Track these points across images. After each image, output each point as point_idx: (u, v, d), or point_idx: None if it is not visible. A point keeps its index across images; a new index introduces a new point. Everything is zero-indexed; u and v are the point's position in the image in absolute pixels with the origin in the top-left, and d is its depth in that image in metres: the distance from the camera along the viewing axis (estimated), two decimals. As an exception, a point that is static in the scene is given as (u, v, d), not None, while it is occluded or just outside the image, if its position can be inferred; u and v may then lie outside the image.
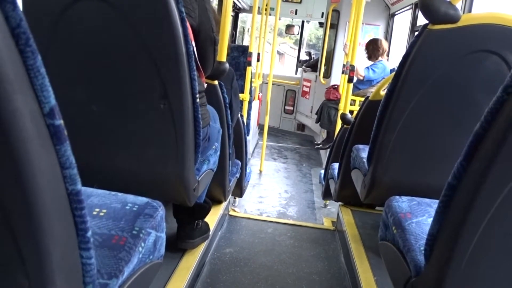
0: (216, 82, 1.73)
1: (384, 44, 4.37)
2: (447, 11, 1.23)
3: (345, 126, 2.64)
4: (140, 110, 1.21)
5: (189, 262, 1.62)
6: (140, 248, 0.83)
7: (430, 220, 1.11)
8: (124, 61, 1.17)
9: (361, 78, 4.30)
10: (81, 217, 0.55)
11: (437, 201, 1.22)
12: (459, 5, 1.27)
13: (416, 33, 4.01)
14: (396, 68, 4.35)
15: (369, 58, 4.38)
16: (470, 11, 2.83)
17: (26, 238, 0.50)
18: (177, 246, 1.66)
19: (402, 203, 1.19)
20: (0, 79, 0.41)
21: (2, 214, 0.48)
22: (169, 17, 1.07)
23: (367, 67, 4.35)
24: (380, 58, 4.35)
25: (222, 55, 1.74)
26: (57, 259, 0.53)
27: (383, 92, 2.01)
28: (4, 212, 0.48)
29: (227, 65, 1.74)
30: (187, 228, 1.66)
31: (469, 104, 1.33)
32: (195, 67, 1.19)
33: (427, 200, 1.23)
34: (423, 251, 0.94)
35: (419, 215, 1.13)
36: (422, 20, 4.17)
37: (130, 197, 0.97)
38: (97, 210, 0.89)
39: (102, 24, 1.14)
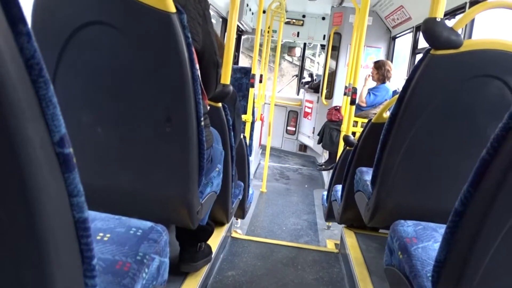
0: (220, 104, 1.74)
1: (392, 66, 4.41)
2: (449, 37, 1.24)
3: (347, 148, 2.64)
4: (145, 133, 1.22)
5: (192, 285, 1.60)
6: (144, 274, 0.82)
7: (436, 245, 1.10)
8: (130, 84, 1.18)
9: (364, 105, 4.32)
10: (87, 245, 0.55)
11: (443, 225, 1.21)
12: (459, 31, 1.29)
13: (417, 56, 4.04)
14: (397, 90, 4.39)
15: (382, 80, 4.34)
16: (470, 37, 2.87)
17: (32, 265, 0.50)
18: (179, 269, 1.64)
19: (408, 227, 1.18)
20: (13, 108, 0.41)
21: (8, 240, 0.48)
22: (175, 42, 1.09)
23: (368, 92, 4.37)
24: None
25: (227, 78, 1.76)
26: (61, 287, 0.52)
27: (386, 115, 2.02)
28: (10, 238, 0.48)
29: (231, 87, 1.75)
30: (189, 250, 1.65)
31: (472, 129, 1.33)
32: (200, 91, 1.20)
33: (432, 224, 1.22)
34: (430, 277, 0.92)
35: (425, 240, 1.12)
36: (423, 43, 4.23)
37: (134, 221, 0.96)
38: (101, 234, 0.88)
39: (108, 48, 1.16)
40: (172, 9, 1.07)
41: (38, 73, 0.43)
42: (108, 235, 0.88)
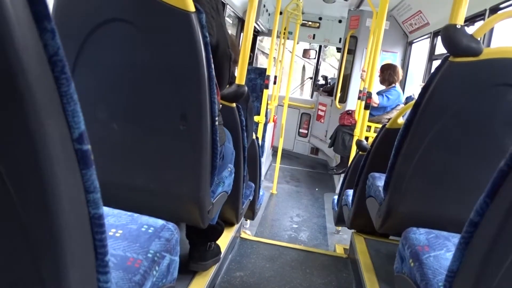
0: (234, 104, 1.74)
1: (400, 71, 4.38)
2: (469, 44, 1.23)
3: (360, 152, 2.62)
4: (159, 131, 1.23)
5: (200, 284, 1.61)
6: (154, 272, 0.82)
7: (448, 254, 1.09)
8: (146, 82, 1.19)
9: (375, 105, 4.29)
10: (101, 241, 0.55)
11: (455, 234, 1.20)
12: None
13: (434, 62, 3.96)
14: (412, 96, 4.33)
15: (382, 82, 4.38)
16: (489, 45, 2.83)
17: (47, 260, 0.50)
18: (188, 267, 1.64)
19: (420, 235, 1.17)
20: (34, 104, 0.42)
21: (24, 235, 0.48)
22: (193, 41, 1.09)
23: (381, 94, 4.35)
24: (393, 84, 4.35)
25: (242, 78, 1.76)
26: (75, 282, 0.53)
27: (400, 121, 2.00)
28: (27, 233, 0.48)
29: (245, 88, 1.76)
30: (199, 249, 1.65)
31: (489, 138, 1.31)
32: (215, 91, 1.20)
33: (445, 233, 1.21)
34: (441, 287, 0.91)
35: (437, 248, 1.10)
36: (440, 49, 4.18)
37: (146, 218, 0.97)
38: (113, 230, 0.89)
39: (127, 46, 1.17)
40: (192, 8, 1.08)
41: (60, 69, 0.43)
42: (120, 231, 0.89)
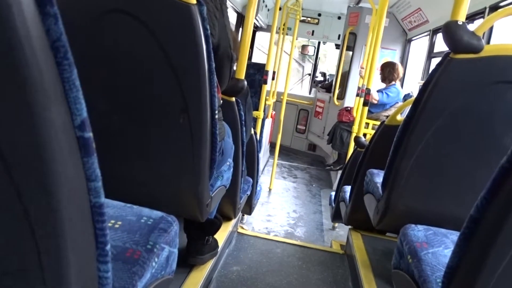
0: (233, 98, 1.74)
1: (400, 69, 4.38)
2: (470, 41, 1.22)
3: (358, 149, 2.62)
4: (159, 123, 1.22)
5: (197, 278, 1.61)
6: (154, 263, 0.82)
7: (446, 251, 1.09)
8: (147, 74, 1.18)
9: (375, 102, 4.30)
10: (102, 230, 0.55)
11: (453, 231, 1.20)
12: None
13: (433, 59, 3.95)
14: (410, 94, 4.32)
15: (383, 80, 4.40)
16: (488, 42, 2.83)
17: (48, 247, 0.50)
18: (185, 261, 1.64)
19: (418, 232, 1.17)
20: (36, 89, 0.41)
21: (26, 222, 0.48)
22: (194, 34, 1.08)
23: (381, 91, 4.35)
24: (393, 82, 4.36)
25: (241, 73, 1.75)
26: (75, 270, 0.52)
27: (399, 117, 2.00)
28: (28, 220, 0.48)
29: (245, 82, 1.75)
30: (197, 243, 1.65)
31: (489, 136, 1.31)
32: (215, 84, 1.19)
33: (443, 230, 1.21)
34: (439, 283, 0.92)
35: (436, 245, 1.11)
36: (438, 47, 4.18)
37: (145, 210, 0.97)
38: (113, 221, 0.89)
39: (127, 37, 1.16)
40: (192, 0, 1.07)
41: (63, 55, 0.43)
42: (119, 223, 0.88)
